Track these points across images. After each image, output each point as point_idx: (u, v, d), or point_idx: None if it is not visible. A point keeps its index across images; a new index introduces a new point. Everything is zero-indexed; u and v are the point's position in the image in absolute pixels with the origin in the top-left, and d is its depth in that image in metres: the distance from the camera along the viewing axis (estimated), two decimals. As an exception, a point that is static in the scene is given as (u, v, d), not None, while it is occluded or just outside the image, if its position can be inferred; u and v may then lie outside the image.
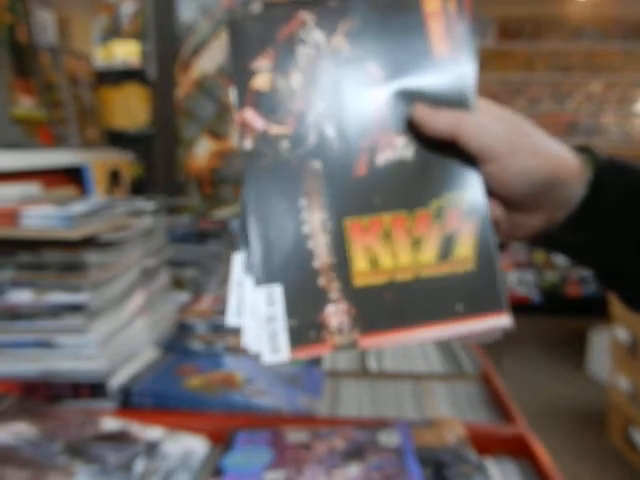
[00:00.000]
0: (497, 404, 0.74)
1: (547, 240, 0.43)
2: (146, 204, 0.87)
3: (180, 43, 1.53)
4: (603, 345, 2.84)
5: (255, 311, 0.38)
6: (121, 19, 1.68)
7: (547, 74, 4.35)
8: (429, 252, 0.38)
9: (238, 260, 0.39)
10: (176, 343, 0.86)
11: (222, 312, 0.99)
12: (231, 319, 0.38)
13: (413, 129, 0.39)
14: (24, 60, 1.09)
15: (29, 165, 0.98)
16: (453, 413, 0.72)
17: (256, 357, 0.37)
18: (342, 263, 0.38)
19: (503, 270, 0.39)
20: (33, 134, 1.07)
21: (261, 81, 0.39)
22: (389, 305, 0.38)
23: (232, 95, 0.39)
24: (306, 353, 0.37)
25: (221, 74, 1.55)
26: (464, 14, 0.40)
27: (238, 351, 0.83)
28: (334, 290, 0.38)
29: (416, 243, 0.38)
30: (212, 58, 1.54)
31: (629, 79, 4.29)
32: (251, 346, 0.38)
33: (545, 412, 2.55)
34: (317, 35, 0.39)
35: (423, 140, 0.39)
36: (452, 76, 0.39)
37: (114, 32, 1.67)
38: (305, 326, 0.37)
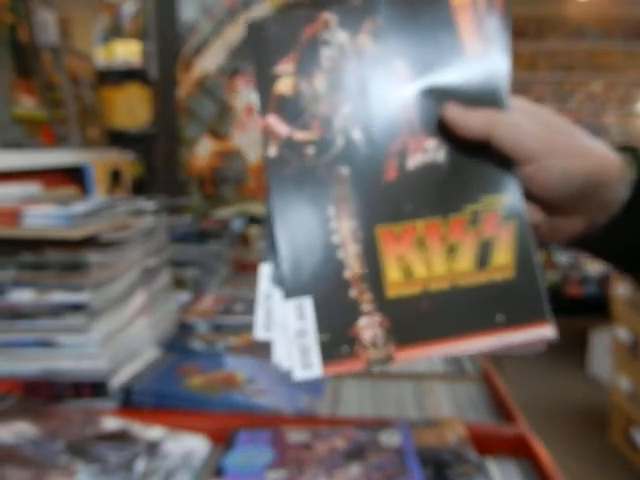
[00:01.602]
0: (498, 404, 0.74)
1: (585, 243, 0.41)
2: (147, 204, 0.87)
3: (181, 43, 1.53)
4: (604, 345, 2.84)
5: (285, 325, 0.36)
6: (122, 19, 1.68)
7: (549, 74, 4.35)
8: (465, 260, 0.37)
9: (265, 271, 0.37)
10: (177, 343, 0.86)
11: (223, 312, 0.99)
12: (259, 333, 0.37)
13: (444, 130, 0.37)
14: (25, 60, 1.09)
15: (30, 165, 0.99)
16: (454, 413, 0.72)
17: (288, 373, 0.36)
18: (374, 273, 0.36)
19: (544, 277, 0.37)
20: (34, 134, 1.07)
21: (284, 85, 0.38)
22: (425, 316, 0.36)
23: (255, 100, 0.38)
24: (339, 369, 0.36)
25: (222, 74, 1.55)
26: (495, 6, 0.38)
27: (239, 351, 0.83)
28: (366, 302, 0.36)
29: (451, 251, 0.37)
30: (213, 58, 1.54)
31: (631, 79, 4.28)
32: (282, 362, 0.36)
33: (546, 412, 2.55)
34: (341, 35, 0.38)
35: (455, 142, 0.37)
36: (484, 73, 0.37)
37: (115, 32, 1.67)
38: (337, 340, 0.36)
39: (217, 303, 1.04)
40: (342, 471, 0.53)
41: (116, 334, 0.72)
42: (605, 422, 2.39)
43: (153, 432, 0.60)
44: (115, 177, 1.32)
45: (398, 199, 0.37)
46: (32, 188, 0.98)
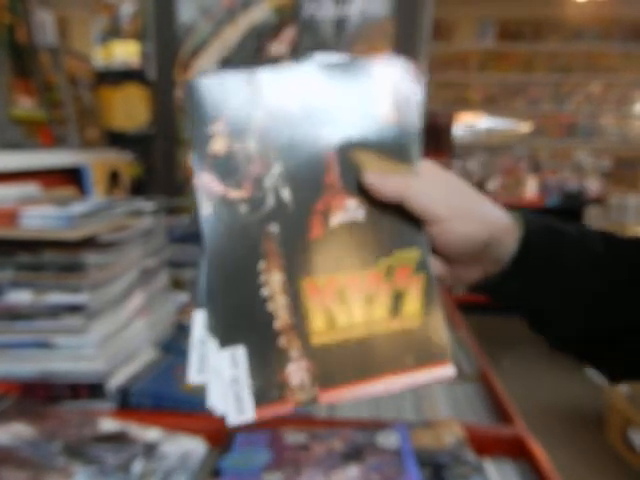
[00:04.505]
0: (496, 405, 0.75)
1: (483, 289, 0.47)
2: (146, 204, 0.87)
3: (180, 44, 1.53)
4: (602, 346, 2.84)
5: (219, 372, 0.39)
6: (121, 19, 1.68)
7: (546, 75, 4.36)
8: (381, 309, 0.41)
9: (199, 317, 0.40)
10: (175, 344, 0.86)
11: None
12: (193, 376, 0.39)
13: (363, 192, 0.41)
14: (24, 60, 1.09)
15: (28, 165, 0.98)
16: (452, 414, 0.72)
17: (222, 418, 0.38)
18: (301, 323, 0.40)
19: (446, 322, 0.41)
20: (33, 134, 1.07)
21: (218, 145, 0.40)
22: (346, 361, 0.40)
23: (190, 159, 0.40)
24: (270, 412, 0.39)
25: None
26: (413, 79, 0.42)
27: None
28: (294, 349, 0.39)
29: (369, 301, 0.41)
30: (211, 59, 1.54)
31: (628, 80, 4.29)
32: (217, 406, 0.39)
33: (544, 413, 2.55)
34: (271, 99, 0.41)
35: (373, 202, 0.41)
36: (399, 140, 0.42)
37: (114, 32, 1.67)
38: (268, 386, 0.39)
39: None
40: (339, 472, 0.53)
41: (114, 335, 0.72)
42: (603, 423, 2.39)
43: (150, 433, 0.60)
44: (114, 178, 1.31)
45: (322, 254, 0.40)
46: (30, 189, 0.98)
